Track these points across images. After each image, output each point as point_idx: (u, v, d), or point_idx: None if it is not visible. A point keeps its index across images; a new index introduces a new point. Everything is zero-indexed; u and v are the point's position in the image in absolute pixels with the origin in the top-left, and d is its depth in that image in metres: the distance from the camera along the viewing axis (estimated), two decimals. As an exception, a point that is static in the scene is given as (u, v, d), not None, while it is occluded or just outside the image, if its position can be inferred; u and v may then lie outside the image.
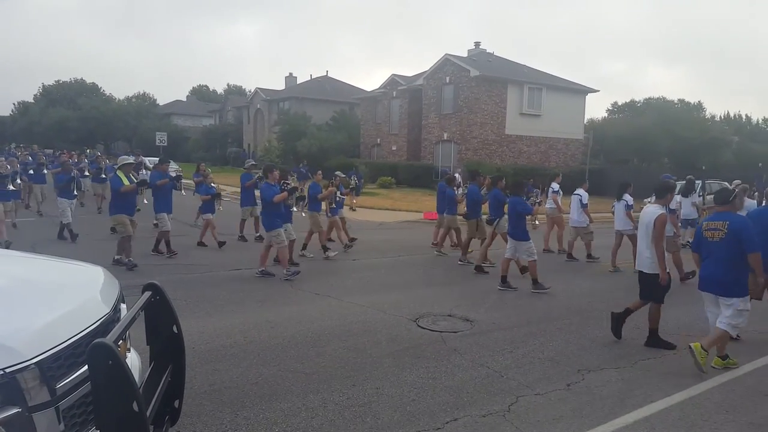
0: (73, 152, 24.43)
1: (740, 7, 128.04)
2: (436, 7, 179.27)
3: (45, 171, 14.79)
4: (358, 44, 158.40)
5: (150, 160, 20.02)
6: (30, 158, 18.48)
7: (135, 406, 2.15)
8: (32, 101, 66.35)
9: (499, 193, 9.59)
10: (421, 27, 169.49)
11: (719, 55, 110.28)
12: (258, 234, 11.56)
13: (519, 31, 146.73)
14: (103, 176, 14.95)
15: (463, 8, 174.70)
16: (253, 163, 13.22)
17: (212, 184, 11.69)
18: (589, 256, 10.79)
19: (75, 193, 11.70)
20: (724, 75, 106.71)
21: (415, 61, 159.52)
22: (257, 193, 10.36)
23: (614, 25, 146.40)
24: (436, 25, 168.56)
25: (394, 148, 34.88)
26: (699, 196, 11.60)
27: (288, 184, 9.23)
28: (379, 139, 36.40)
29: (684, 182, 11.91)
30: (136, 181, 9.37)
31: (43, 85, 66.90)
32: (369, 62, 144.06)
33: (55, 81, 66.62)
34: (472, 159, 28.38)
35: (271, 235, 8.41)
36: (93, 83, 67.66)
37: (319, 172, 11.58)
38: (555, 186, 12.17)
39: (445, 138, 30.96)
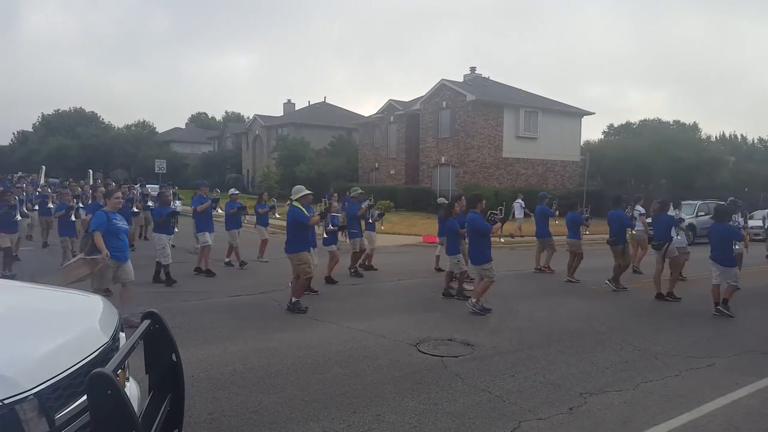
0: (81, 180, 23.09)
1: (714, 33, 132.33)
2: (421, 36, 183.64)
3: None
4: (354, 72, 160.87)
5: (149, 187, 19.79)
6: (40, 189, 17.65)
7: (134, 437, 2.14)
8: (32, 130, 66.87)
9: (670, 217, 9.74)
10: (409, 54, 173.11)
11: (696, 77, 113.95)
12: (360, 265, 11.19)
13: (501, 58, 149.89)
14: (150, 204, 13.65)
15: (448, 36, 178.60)
16: (360, 191, 11.81)
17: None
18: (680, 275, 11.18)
19: (176, 229, 10.68)
20: (703, 97, 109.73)
21: (409, 86, 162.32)
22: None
23: (595, 49, 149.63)
24: (424, 52, 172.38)
25: (392, 172, 35.07)
26: (741, 216, 11.86)
27: (496, 214, 8.73)
28: (377, 164, 36.63)
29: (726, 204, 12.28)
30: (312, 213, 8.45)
31: (43, 115, 67.62)
32: (364, 89, 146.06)
33: (55, 110, 67.35)
34: (470, 182, 28.52)
35: (484, 268, 8.12)
36: (92, 112, 68.46)
37: None
38: (641, 209, 12.39)
39: (443, 162, 31.17)
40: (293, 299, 7.86)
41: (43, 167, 18.47)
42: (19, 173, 32.57)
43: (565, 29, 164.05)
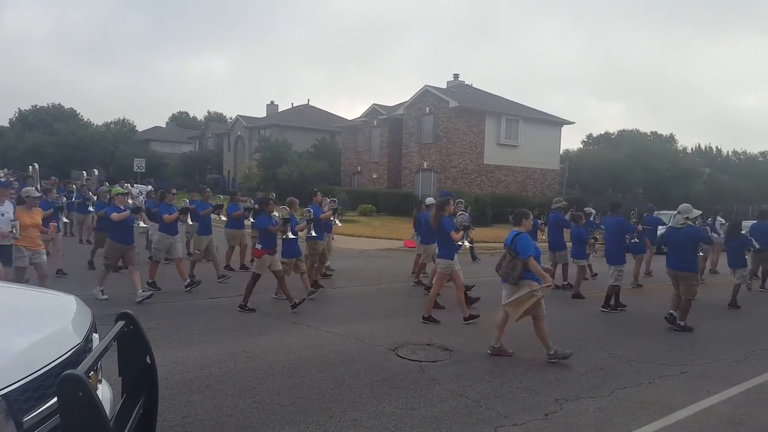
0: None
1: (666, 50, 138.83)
2: (393, 46, 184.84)
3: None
4: (333, 77, 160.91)
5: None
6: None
7: (105, 440, 2.10)
8: (8, 125, 65.38)
9: None
10: (382, 63, 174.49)
11: (650, 92, 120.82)
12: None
13: (467, 69, 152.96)
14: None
15: (419, 46, 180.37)
16: (563, 202, 11.60)
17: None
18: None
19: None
20: (657, 110, 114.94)
21: (380, 94, 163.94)
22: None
23: (556, 63, 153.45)
24: (396, 62, 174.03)
25: (374, 176, 35.10)
26: None
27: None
28: (359, 167, 36.62)
29: None
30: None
31: (19, 110, 66.13)
32: (344, 94, 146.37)
33: (32, 106, 65.93)
34: (452, 188, 28.69)
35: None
36: (71, 108, 67.12)
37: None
38: (722, 219, 13.07)
39: (425, 167, 31.32)
40: (683, 323, 7.78)
41: (36, 165, 17.67)
42: (6, 170, 31.12)
43: (526, 44, 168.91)
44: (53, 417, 2.20)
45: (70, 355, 2.45)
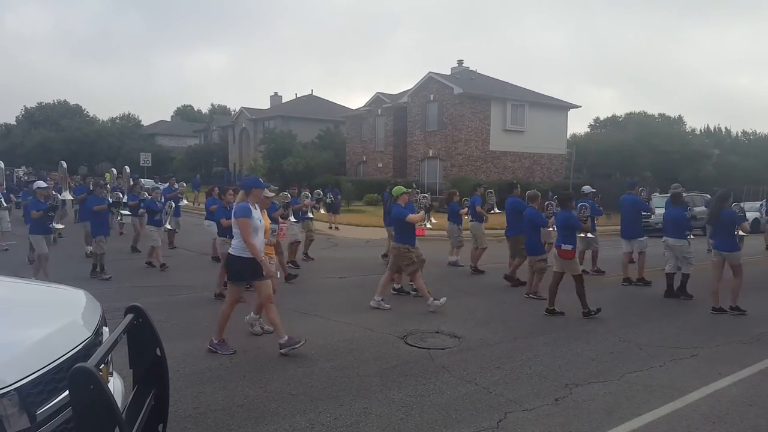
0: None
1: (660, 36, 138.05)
2: (387, 37, 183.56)
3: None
4: (335, 68, 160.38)
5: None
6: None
7: (117, 432, 2.12)
8: (14, 123, 65.71)
9: None
10: (377, 53, 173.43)
11: (644, 76, 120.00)
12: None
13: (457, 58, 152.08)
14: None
15: (409, 37, 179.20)
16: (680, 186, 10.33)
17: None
18: None
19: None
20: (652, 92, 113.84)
21: (372, 87, 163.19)
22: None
23: (545, 51, 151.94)
24: (394, 52, 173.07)
25: (380, 165, 35.05)
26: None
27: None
28: (365, 157, 36.57)
29: None
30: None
31: (25, 108, 66.38)
32: (346, 84, 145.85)
33: (38, 103, 66.17)
34: (458, 175, 28.61)
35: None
36: (76, 104, 67.24)
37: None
38: None
39: (431, 155, 31.22)
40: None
41: (64, 164, 17.21)
42: (23, 168, 30.39)
43: (521, 33, 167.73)
44: (66, 410, 2.22)
45: (80, 349, 2.47)
